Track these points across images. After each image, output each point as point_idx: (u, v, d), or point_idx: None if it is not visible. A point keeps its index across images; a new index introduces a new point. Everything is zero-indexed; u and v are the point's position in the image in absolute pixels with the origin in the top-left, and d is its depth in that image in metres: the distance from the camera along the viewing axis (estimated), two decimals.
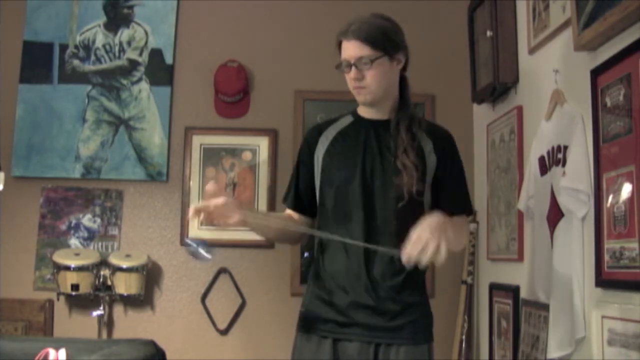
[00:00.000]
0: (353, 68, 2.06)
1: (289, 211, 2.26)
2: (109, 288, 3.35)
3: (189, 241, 2.05)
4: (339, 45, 2.11)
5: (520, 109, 2.94)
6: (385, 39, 2.07)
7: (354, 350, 2.05)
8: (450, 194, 2.14)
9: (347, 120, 2.21)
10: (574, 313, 2.25)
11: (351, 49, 2.05)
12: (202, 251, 2.05)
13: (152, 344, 2.39)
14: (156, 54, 3.66)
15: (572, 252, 2.29)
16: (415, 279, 2.11)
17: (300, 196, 2.22)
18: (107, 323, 3.42)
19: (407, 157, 2.05)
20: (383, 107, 2.14)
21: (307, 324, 2.13)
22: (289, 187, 2.27)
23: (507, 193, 3.04)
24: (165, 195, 3.61)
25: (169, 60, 3.66)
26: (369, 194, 2.08)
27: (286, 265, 3.54)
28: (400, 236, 1.95)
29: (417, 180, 2.04)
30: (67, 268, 3.28)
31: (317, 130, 2.22)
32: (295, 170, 2.25)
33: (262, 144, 3.62)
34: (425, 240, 1.79)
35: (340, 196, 2.10)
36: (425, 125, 2.17)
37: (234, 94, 3.59)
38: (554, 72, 2.52)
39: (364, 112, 2.19)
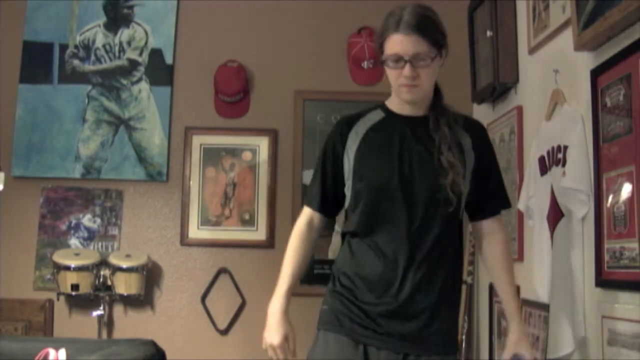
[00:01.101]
0: (408, 65, 1.90)
1: (309, 212, 2.12)
2: (109, 288, 3.35)
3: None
4: (384, 36, 1.94)
5: (520, 109, 2.94)
6: (440, 34, 1.94)
7: (383, 358, 1.96)
8: (494, 194, 2.09)
9: (378, 115, 2.06)
10: (574, 313, 2.25)
11: (407, 44, 1.88)
12: None
13: (152, 344, 2.39)
14: (156, 54, 3.66)
15: (572, 252, 2.29)
16: (452, 292, 2.04)
17: (327, 196, 2.09)
18: (107, 323, 3.42)
19: (452, 154, 1.96)
20: (420, 103, 2.02)
21: (333, 324, 2.01)
22: (312, 186, 2.13)
23: (507, 193, 3.03)
24: (165, 195, 3.61)
25: (169, 60, 3.66)
26: (410, 194, 1.95)
27: None
28: (442, 237, 1.96)
29: (462, 177, 1.96)
30: (67, 268, 3.28)
31: (347, 125, 2.06)
32: (322, 168, 2.10)
33: (262, 144, 3.62)
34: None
35: (378, 198, 1.98)
36: (462, 121, 2.06)
37: (234, 94, 3.59)
38: (554, 72, 2.52)
39: (397, 107, 2.05)
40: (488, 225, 2.12)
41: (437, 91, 2.05)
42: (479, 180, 2.04)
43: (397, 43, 1.90)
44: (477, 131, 2.09)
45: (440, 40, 1.94)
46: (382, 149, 2.00)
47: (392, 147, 1.99)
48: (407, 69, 1.90)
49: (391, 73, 1.95)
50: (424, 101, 2.03)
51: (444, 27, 1.97)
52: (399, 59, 1.91)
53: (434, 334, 1.96)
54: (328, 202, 2.11)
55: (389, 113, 2.06)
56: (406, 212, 1.95)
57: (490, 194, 2.09)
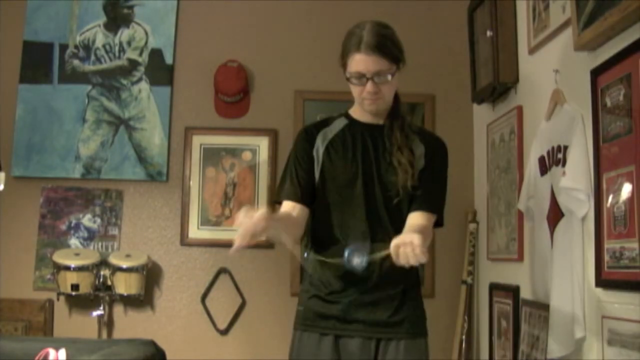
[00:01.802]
0: (370, 82, 2.06)
1: (287, 205, 2.17)
2: (109, 288, 3.35)
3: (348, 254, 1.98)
4: (346, 55, 2.09)
5: (520, 109, 2.94)
6: (398, 51, 2.09)
7: (356, 346, 2.10)
8: (426, 192, 2.14)
9: (342, 122, 2.22)
10: (574, 313, 2.25)
11: (369, 63, 2.04)
12: (355, 258, 1.96)
13: (152, 344, 2.39)
14: (156, 54, 3.66)
15: (572, 252, 2.29)
16: (413, 276, 2.19)
17: (301, 187, 2.18)
18: (107, 323, 3.42)
19: (401, 154, 2.13)
20: (381, 112, 2.18)
21: (307, 321, 2.15)
22: (283, 181, 2.22)
23: (507, 193, 3.04)
24: (165, 195, 3.61)
25: (169, 60, 3.66)
26: (370, 193, 2.13)
27: (286, 265, 3.54)
28: (396, 228, 2.07)
29: (411, 176, 2.11)
30: (67, 268, 3.28)
31: (315, 129, 2.23)
32: (294, 163, 2.21)
33: (262, 144, 3.62)
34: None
35: (343, 197, 2.14)
36: (417, 129, 2.24)
37: (234, 94, 3.59)
38: (554, 72, 2.52)
39: (360, 115, 2.21)
40: (413, 217, 2.13)
41: (396, 99, 2.20)
42: (420, 180, 2.15)
43: (359, 62, 2.06)
44: (435, 145, 2.23)
45: (399, 56, 2.09)
46: (346, 154, 2.17)
47: (356, 151, 2.17)
48: (369, 86, 2.07)
49: (354, 88, 2.12)
50: (385, 110, 2.19)
51: (400, 42, 2.12)
52: (361, 77, 2.07)
53: (403, 320, 2.11)
54: (302, 192, 2.17)
55: (352, 120, 2.22)
56: (367, 209, 2.12)
57: (420, 196, 2.13)
